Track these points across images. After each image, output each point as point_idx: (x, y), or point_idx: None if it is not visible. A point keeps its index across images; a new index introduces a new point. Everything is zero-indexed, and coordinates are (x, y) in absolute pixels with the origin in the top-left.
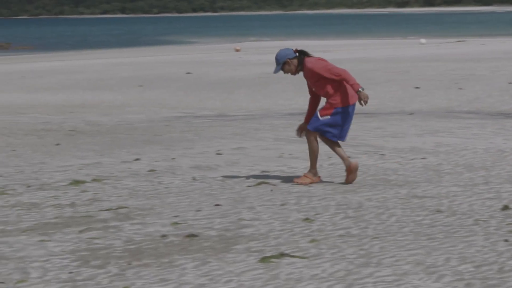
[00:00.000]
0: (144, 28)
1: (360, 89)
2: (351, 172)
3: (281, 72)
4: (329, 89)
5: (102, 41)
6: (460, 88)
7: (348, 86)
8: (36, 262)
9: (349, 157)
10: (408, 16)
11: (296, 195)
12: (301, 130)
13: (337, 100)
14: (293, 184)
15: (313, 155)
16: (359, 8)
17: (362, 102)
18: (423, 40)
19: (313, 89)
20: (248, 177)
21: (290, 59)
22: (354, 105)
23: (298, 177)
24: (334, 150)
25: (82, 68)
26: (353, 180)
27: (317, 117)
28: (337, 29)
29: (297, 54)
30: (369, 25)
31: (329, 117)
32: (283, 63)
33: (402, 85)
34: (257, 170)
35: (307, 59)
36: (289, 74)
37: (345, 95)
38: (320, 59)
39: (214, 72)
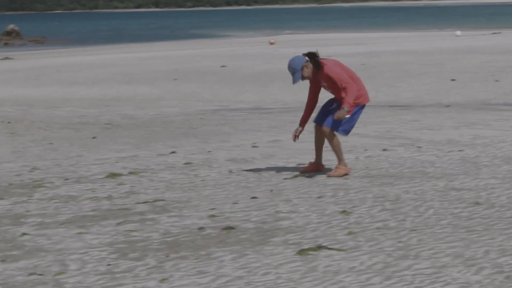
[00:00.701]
0: (178, 22)
1: (345, 107)
2: (340, 172)
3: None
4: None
5: (136, 35)
6: (497, 80)
7: (362, 86)
8: (74, 255)
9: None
10: (443, 9)
11: (333, 188)
12: (297, 135)
13: (356, 100)
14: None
15: (338, 148)
16: (394, 0)
17: (336, 116)
18: (458, 32)
19: (329, 91)
20: (284, 170)
21: (305, 63)
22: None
23: (331, 170)
24: (334, 145)
25: (117, 62)
26: (331, 176)
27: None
28: (372, 22)
29: (307, 58)
30: (404, 18)
31: (349, 116)
32: (301, 69)
33: (438, 78)
34: (293, 162)
35: (323, 62)
36: (308, 79)
37: (361, 95)
38: (335, 62)
39: (249, 65)
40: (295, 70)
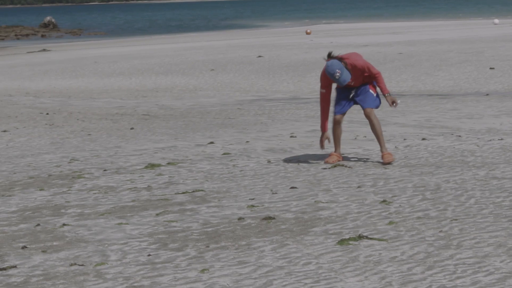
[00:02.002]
0: (214, 12)
1: (387, 94)
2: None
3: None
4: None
5: (172, 25)
6: None
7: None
8: (115, 245)
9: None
10: None
11: (372, 177)
12: (324, 141)
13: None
14: (381, 164)
15: (380, 128)
16: None
17: (392, 101)
18: (496, 21)
19: (352, 83)
20: (323, 160)
21: (340, 62)
22: None
23: (387, 154)
24: (378, 124)
25: (154, 53)
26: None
27: (372, 95)
28: (409, 11)
29: (330, 59)
30: (441, 6)
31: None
32: (345, 66)
33: (477, 66)
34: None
35: (345, 57)
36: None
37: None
38: (356, 54)
39: (286, 55)
40: (342, 70)
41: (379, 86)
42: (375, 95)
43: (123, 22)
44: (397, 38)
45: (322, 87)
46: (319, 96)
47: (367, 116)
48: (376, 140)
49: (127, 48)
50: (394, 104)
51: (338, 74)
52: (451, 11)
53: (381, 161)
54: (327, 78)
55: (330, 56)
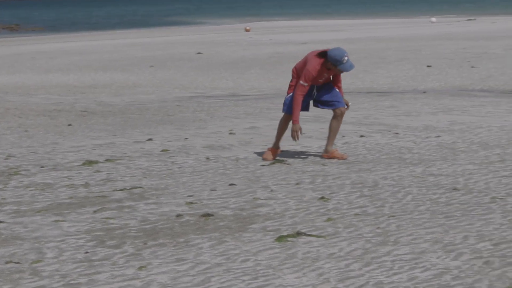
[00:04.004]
0: (153, 9)
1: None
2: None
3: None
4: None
5: (112, 22)
6: (473, 67)
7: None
8: (51, 242)
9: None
10: None
11: (311, 174)
12: (298, 133)
13: None
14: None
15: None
16: None
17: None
18: (434, 19)
19: (322, 81)
20: (261, 156)
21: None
22: None
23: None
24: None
25: (93, 49)
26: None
27: (340, 94)
28: (349, 9)
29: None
30: (380, 5)
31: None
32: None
33: (415, 64)
34: None
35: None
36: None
37: None
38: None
39: (225, 52)
40: (348, 57)
41: (339, 87)
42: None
43: (63, 18)
44: (337, 35)
45: (306, 80)
46: (258, 93)
47: (341, 115)
48: (328, 136)
49: (66, 44)
50: (347, 107)
51: (346, 58)
52: (391, 10)
53: (323, 156)
54: (321, 70)
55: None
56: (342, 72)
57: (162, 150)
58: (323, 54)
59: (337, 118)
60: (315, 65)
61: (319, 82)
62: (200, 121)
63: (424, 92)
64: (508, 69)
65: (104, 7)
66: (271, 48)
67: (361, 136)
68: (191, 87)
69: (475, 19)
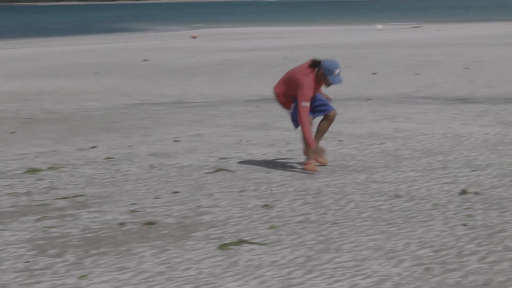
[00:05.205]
0: (100, 15)
1: None
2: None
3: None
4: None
5: (57, 28)
6: (417, 74)
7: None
8: None
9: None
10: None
11: (255, 182)
12: (321, 153)
13: None
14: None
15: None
16: None
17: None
18: (379, 26)
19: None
20: (206, 164)
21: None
22: None
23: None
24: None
25: (37, 56)
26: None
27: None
28: (296, 16)
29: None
30: (327, 12)
31: None
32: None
33: (360, 71)
34: (216, 156)
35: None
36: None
37: None
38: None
39: (172, 59)
40: (339, 69)
41: (323, 94)
42: None
43: (7, 24)
44: (282, 43)
45: (307, 100)
46: (204, 100)
47: (333, 117)
48: (315, 137)
49: (10, 51)
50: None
51: (338, 71)
52: (336, 17)
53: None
54: (315, 85)
55: (314, 63)
56: (329, 84)
57: (106, 158)
58: (312, 65)
59: (329, 120)
60: (309, 83)
61: (317, 89)
62: (145, 129)
63: (369, 99)
64: (451, 77)
65: (50, 13)
66: (219, 55)
67: None
68: (137, 94)
69: (420, 26)
